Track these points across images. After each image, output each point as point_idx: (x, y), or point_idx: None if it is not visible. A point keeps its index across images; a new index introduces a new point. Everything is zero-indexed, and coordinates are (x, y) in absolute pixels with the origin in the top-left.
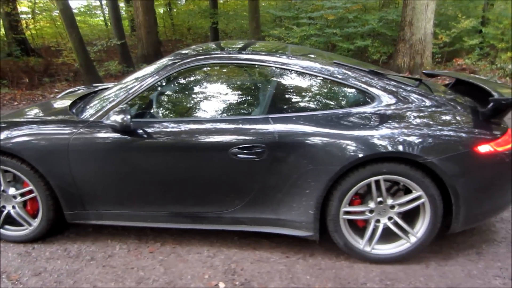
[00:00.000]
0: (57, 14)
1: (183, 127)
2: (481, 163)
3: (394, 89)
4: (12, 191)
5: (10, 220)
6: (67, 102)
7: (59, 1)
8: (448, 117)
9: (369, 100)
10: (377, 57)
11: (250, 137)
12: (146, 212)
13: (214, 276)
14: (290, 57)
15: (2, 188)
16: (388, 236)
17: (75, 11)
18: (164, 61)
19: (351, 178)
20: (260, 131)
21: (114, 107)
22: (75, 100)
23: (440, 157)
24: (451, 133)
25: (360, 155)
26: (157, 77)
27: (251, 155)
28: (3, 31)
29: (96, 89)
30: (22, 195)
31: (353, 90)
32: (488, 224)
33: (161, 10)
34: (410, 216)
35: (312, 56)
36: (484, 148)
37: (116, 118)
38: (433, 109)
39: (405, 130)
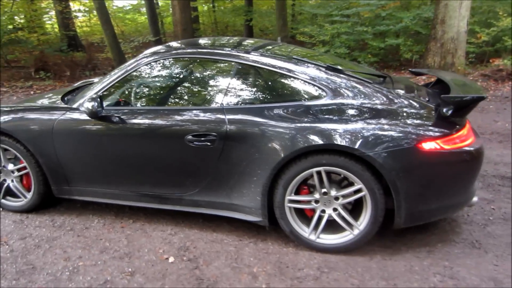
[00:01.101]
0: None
1: (147, 115)
2: (426, 160)
3: (345, 85)
4: (10, 166)
5: (11, 193)
6: (63, 92)
7: (95, 0)
8: (395, 114)
9: (318, 94)
10: (409, 56)
11: (203, 126)
12: (119, 191)
13: (168, 251)
14: (249, 53)
15: (2, 164)
16: (335, 226)
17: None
18: (139, 56)
19: (294, 168)
20: (213, 120)
21: (91, 95)
22: (74, 90)
23: (378, 152)
24: (394, 129)
25: (300, 146)
26: (128, 69)
27: (205, 143)
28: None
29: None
30: (18, 170)
31: (304, 85)
32: (453, 225)
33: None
34: (358, 209)
35: (274, 51)
36: (428, 145)
37: (88, 105)
38: (383, 105)
39: (347, 124)
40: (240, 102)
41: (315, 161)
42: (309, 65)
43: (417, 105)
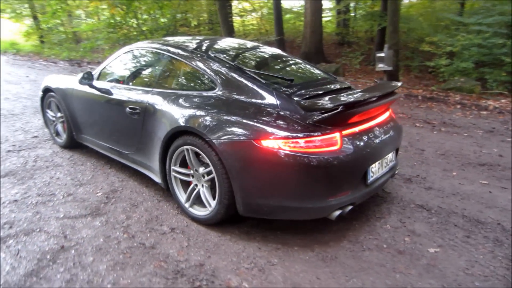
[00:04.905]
0: (257, 15)
1: (112, 88)
2: (262, 157)
3: (234, 82)
4: (58, 115)
5: (58, 133)
6: None
7: (217, 1)
8: (258, 110)
9: (211, 87)
10: None
11: (134, 101)
12: (100, 143)
13: (104, 189)
14: (182, 50)
15: (54, 112)
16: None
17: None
18: (124, 47)
19: (175, 143)
20: (141, 98)
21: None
22: None
23: (219, 139)
24: (244, 122)
25: (174, 126)
26: (114, 56)
27: (135, 115)
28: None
29: None
30: (61, 118)
31: (204, 78)
32: (338, 238)
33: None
34: None
35: (212, 50)
36: (267, 143)
37: (79, 77)
38: (257, 103)
39: (210, 112)
40: (160, 87)
41: (184, 140)
42: (218, 62)
43: (290, 108)
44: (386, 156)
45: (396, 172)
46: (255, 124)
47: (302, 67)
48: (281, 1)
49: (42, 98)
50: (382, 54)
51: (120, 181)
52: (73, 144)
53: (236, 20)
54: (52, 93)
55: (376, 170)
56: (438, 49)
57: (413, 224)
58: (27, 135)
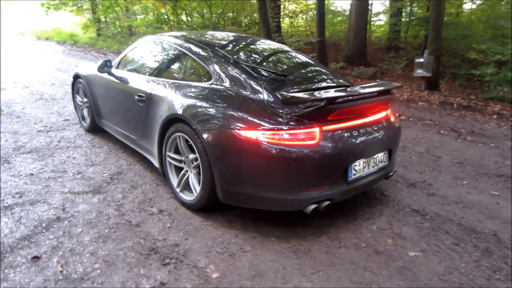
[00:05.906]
0: (305, 17)
1: (124, 76)
2: (240, 146)
3: (227, 74)
4: (84, 99)
5: (84, 117)
6: None
7: (258, 1)
8: (245, 102)
9: (207, 78)
10: None
11: (140, 89)
12: (115, 127)
13: (111, 171)
14: (189, 42)
15: (80, 97)
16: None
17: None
18: (139, 40)
19: (169, 130)
20: (145, 86)
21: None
22: None
23: (204, 127)
24: (228, 113)
25: (168, 113)
26: (131, 47)
27: (141, 102)
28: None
29: None
30: (86, 103)
31: (204, 70)
32: (324, 232)
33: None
34: None
35: (216, 43)
36: (246, 133)
37: (97, 65)
38: (244, 95)
39: (199, 101)
40: (161, 76)
41: (176, 127)
42: (216, 56)
43: (275, 103)
44: (375, 156)
45: (391, 174)
46: (238, 115)
47: (308, 66)
48: (325, 3)
49: (73, 84)
50: (421, 60)
51: (128, 165)
52: (96, 128)
53: (285, 21)
54: (80, 79)
55: (360, 168)
56: (486, 57)
57: (401, 228)
58: (60, 118)
